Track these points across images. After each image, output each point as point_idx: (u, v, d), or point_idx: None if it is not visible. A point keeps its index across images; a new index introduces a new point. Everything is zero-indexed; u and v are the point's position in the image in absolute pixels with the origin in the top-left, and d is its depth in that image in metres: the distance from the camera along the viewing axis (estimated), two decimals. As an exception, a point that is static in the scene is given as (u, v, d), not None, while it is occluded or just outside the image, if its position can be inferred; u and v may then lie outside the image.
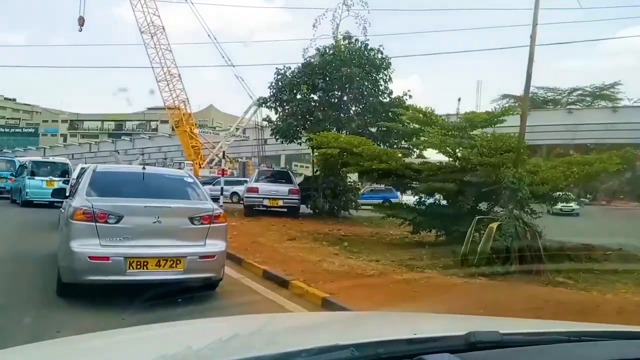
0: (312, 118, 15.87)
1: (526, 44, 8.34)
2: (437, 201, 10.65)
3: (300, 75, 16.37)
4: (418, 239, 11.28)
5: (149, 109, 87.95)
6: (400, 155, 10.62)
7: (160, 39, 45.36)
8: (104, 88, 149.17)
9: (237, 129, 47.00)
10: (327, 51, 16.08)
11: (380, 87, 16.50)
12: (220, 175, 44.92)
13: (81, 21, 42.70)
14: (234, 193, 33.66)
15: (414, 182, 10.79)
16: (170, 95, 46.71)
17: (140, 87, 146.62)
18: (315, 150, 16.81)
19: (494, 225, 7.89)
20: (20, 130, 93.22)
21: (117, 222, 5.39)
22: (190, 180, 6.75)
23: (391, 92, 16.10)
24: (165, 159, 59.63)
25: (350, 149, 10.61)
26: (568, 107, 49.97)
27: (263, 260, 8.56)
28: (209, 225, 5.81)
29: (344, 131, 15.46)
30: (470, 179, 9.32)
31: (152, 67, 45.81)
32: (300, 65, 16.90)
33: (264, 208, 16.43)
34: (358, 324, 2.06)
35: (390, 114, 15.91)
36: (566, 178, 9.05)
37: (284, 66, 17.27)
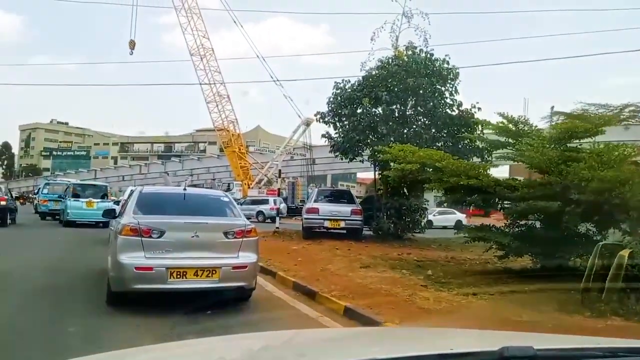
0: (375, 133, 14.82)
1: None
2: (532, 223, 9.29)
3: (360, 89, 15.40)
4: (502, 263, 9.94)
5: (197, 130, 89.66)
6: (487, 170, 9.33)
7: (209, 61, 45.81)
8: (154, 111, 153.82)
9: (287, 148, 46.63)
10: (390, 62, 15.07)
11: (446, 99, 15.30)
12: (271, 196, 44.65)
13: (132, 45, 43.73)
14: (260, 212, 33.43)
15: (504, 201, 9.49)
16: (219, 116, 46.93)
17: (188, 109, 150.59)
18: (380, 166, 15.76)
19: (625, 253, 6.51)
20: (72, 153, 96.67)
21: (159, 237, 5.97)
22: (225, 199, 7.44)
23: (460, 104, 14.86)
24: (214, 179, 59.81)
25: (432, 164, 9.45)
26: (624, 123, 47.08)
27: (341, 293, 7.46)
28: (241, 239, 6.34)
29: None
30: (579, 197, 7.95)
31: (202, 89, 46.35)
32: (360, 78, 15.95)
33: (324, 230, 15.39)
34: (392, 339, 2.06)
35: (458, 127, 14.69)
36: None
37: (343, 80, 16.38)
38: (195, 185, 64.14)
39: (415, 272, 9.35)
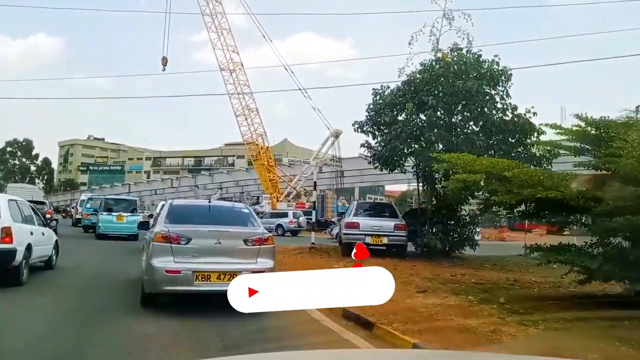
0: (419, 141, 13.46)
1: None
2: (619, 242, 7.77)
3: (402, 94, 14.08)
4: (578, 288, 8.44)
5: (226, 144, 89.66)
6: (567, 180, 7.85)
7: (239, 75, 45.26)
8: (184, 126, 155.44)
9: (315, 160, 45.44)
10: (434, 65, 13.71)
11: (496, 104, 13.84)
12: (300, 208, 43.44)
13: (164, 61, 43.54)
14: (279, 225, 32.45)
15: (584, 216, 8.00)
16: (248, 129, 46.20)
17: (218, 124, 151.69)
18: (424, 176, 14.38)
19: None
20: (108, 168, 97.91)
21: (187, 243, 6.46)
22: (246, 211, 8.01)
23: (515, 108, 13.34)
24: (242, 192, 59.09)
25: (498, 174, 8.05)
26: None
27: (404, 325, 6.13)
28: (259, 247, 6.76)
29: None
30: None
31: (231, 103, 45.76)
32: (399, 84, 14.64)
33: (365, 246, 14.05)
34: None
35: (512, 133, 13.23)
36: None
37: (382, 86, 15.11)
38: (224, 199, 63.69)
39: (483, 298, 7.91)
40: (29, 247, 8.69)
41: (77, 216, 31.11)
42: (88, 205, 27.10)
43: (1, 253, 7.83)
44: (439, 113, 13.43)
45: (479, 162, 8.65)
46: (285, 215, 33.85)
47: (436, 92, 13.34)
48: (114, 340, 5.43)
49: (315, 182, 21.00)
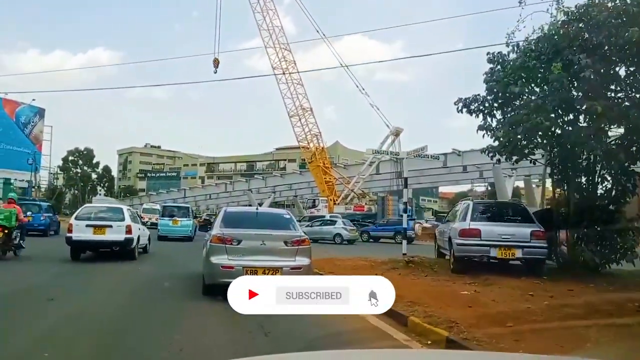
0: (570, 112, 9.35)
1: None
2: None
3: (536, 56, 9.95)
4: None
5: (277, 149, 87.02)
6: None
7: (291, 73, 42.02)
8: (237, 132, 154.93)
9: (374, 161, 41.42)
10: (589, 11, 9.47)
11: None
12: (359, 212, 39.48)
13: (216, 63, 40.67)
14: (337, 234, 27.99)
15: None
16: (302, 130, 42.82)
17: (269, 129, 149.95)
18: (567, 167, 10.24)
19: None
20: (164, 174, 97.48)
21: (238, 244, 7.53)
22: (287, 216, 9.00)
23: None
24: (296, 196, 55.75)
25: None
26: None
27: None
28: (297, 247, 7.70)
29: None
30: None
31: (285, 103, 42.57)
32: (531, 44, 10.44)
33: (490, 261, 10.00)
34: None
35: None
36: None
37: (499, 52, 11.03)
38: (276, 203, 60.73)
39: None
40: (137, 238, 13.23)
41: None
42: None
43: (127, 240, 12.50)
44: (597, 75, 9.18)
45: None
46: (331, 222, 28.44)
47: (591, 47, 9.17)
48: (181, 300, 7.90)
49: (406, 179, 16.34)
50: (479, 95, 11.20)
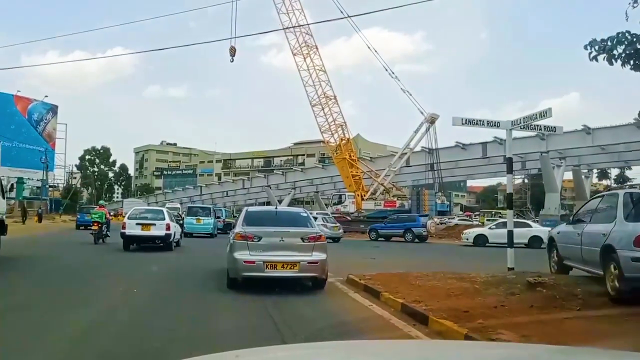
0: None
1: None
2: None
3: None
4: None
5: (294, 144, 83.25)
6: None
7: (313, 59, 38.15)
8: (252, 127, 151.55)
9: (406, 151, 37.48)
10: None
11: None
12: (389, 207, 35.46)
13: (232, 51, 36.75)
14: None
15: None
16: (325, 120, 38.87)
17: (286, 124, 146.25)
18: None
19: None
20: (180, 172, 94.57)
21: (259, 241, 7.90)
22: (304, 215, 9.45)
23: None
24: (317, 192, 51.92)
25: None
26: None
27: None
28: (314, 243, 8.07)
29: None
30: None
31: (306, 92, 38.71)
32: None
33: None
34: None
35: None
36: None
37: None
38: (295, 200, 57.02)
39: None
40: (174, 234, 16.24)
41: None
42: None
43: (167, 235, 15.59)
44: None
45: None
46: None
47: None
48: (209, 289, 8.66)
49: (510, 159, 9.97)
50: (627, 33, 7.33)
